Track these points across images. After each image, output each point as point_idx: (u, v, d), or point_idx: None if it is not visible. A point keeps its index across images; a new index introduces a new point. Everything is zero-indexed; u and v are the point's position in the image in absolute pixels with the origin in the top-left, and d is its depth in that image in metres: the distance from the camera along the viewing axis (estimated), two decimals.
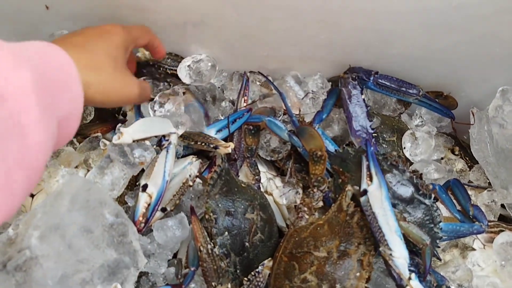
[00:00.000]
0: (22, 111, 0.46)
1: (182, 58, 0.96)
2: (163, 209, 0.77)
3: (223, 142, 0.83)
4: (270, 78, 0.97)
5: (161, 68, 0.96)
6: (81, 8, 0.85)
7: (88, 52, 0.67)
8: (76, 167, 0.83)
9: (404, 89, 0.93)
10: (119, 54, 0.72)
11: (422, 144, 0.93)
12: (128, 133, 0.74)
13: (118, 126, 0.82)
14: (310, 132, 0.85)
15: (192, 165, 0.80)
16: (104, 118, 0.95)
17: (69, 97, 0.57)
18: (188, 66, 0.92)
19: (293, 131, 0.87)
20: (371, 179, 0.75)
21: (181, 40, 0.93)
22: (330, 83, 0.99)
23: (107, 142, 0.80)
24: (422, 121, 0.99)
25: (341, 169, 0.82)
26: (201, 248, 0.72)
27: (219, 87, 0.99)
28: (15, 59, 0.47)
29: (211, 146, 0.82)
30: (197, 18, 0.86)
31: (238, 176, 0.88)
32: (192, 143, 0.83)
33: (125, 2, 0.83)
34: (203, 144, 0.82)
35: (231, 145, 0.82)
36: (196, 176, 0.80)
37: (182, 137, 0.83)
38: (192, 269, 0.72)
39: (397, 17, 0.86)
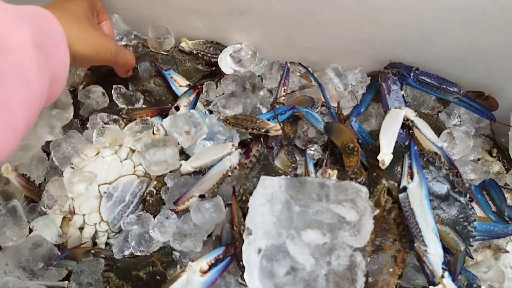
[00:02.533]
0: (25, 62, 0.51)
1: (224, 46, 0.96)
2: (201, 196, 0.78)
3: (272, 124, 0.82)
4: (310, 69, 0.95)
5: (204, 57, 0.96)
6: None
7: (70, 14, 0.73)
8: (120, 145, 0.83)
9: (444, 86, 0.90)
10: (90, 15, 0.79)
11: (459, 144, 0.90)
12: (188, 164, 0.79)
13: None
14: (337, 128, 0.84)
15: (231, 156, 0.79)
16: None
17: (57, 57, 0.61)
18: (230, 55, 0.91)
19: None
20: (411, 177, 0.73)
21: (226, 28, 0.92)
22: (369, 77, 0.97)
23: (161, 129, 0.82)
24: (460, 121, 0.96)
25: (376, 163, 0.80)
26: (235, 228, 0.72)
27: (258, 76, 0.98)
28: (16, 17, 0.52)
29: (262, 130, 0.81)
30: (243, 7, 0.86)
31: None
32: (243, 130, 0.83)
33: None
34: (253, 129, 0.82)
35: (279, 126, 0.82)
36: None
37: (231, 124, 0.83)
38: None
39: (440, 15, 0.84)
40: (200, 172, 0.81)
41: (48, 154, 0.84)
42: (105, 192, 0.80)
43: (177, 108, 0.87)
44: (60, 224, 0.78)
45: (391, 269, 0.71)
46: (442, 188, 0.78)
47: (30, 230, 0.77)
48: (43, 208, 0.76)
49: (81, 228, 0.81)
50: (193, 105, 0.88)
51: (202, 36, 0.95)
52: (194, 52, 0.96)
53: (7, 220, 0.73)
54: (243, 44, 0.93)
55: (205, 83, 0.93)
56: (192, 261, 0.69)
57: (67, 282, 0.77)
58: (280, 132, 0.81)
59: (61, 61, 0.62)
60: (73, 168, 0.80)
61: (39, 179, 0.83)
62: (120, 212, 0.81)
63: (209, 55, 0.95)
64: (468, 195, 0.79)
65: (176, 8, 0.87)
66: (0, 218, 0.72)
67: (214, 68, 0.97)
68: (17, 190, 0.78)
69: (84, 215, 0.80)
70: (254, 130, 0.82)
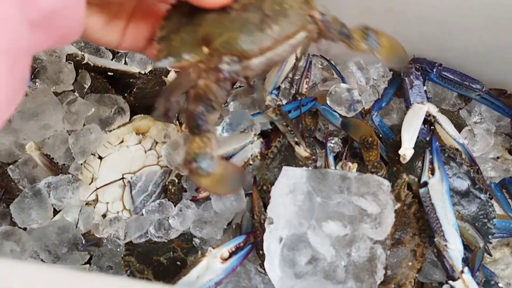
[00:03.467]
0: None
1: None
2: None
3: (305, 146, 0.80)
4: (332, 62, 0.94)
5: None
6: None
7: None
8: (144, 134, 0.83)
9: (467, 83, 0.89)
10: None
11: (480, 141, 0.88)
12: None
13: None
14: (354, 123, 0.83)
15: (253, 144, 0.79)
16: None
17: None
18: None
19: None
20: (433, 173, 0.73)
21: None
22: (391, 72, 0.95)
23: None
24: (481, 119, 0.94)
25: (396, 158, 0.79)
26: (255, 217, 0.72)
27: None
28: None
29: (295, 140, 0.79)
30: None
31: None
32: (283, 124, 0.81)
33: None
34: (290, 132, 0.80)
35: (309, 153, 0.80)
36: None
37: (279, 114, 0.81)
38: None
39: (464, 10, 0.82)
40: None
41: None
42: (128, 182, 0.80)
43: None
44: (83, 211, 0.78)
45: (410, 263, 0.71)
46: (463, 184, 0.77)
47: (55, 212, 0.78)
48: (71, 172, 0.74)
49: (104, 216, 0.81)
50: None
51: None
52: None
53: (33, 202, 0.73)
54: None
55: None
56: (213, 248, 0.70)
57: (88, 265, 0.78)
58: (307, 155, 0.79)
59: None
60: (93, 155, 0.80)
61: (61, 160, 0.83)
62: (143, 202, 0.81)
63: None
64: (488, 192, 0.78)
65: None
66: (26, 201, 0.72)
67: None
68: (42, 173, 0.79)
69: (107, 203, 0.80)
70: (289, 133, 0.80)
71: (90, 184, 0.79)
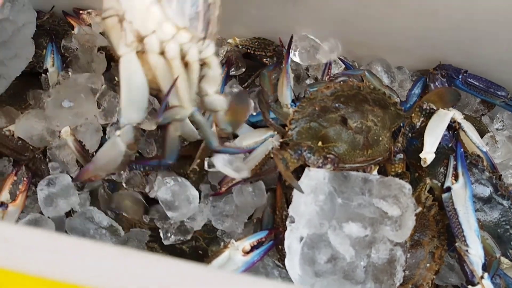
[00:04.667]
0: None
1: (271, 41, 0.93)
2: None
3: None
4: (352, 63, 0.93)
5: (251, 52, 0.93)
6: None
7: None
8: None
9: (492, 90, 0.87)
10: None
11: (501, 148, 0.86)
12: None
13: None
14: None
15: (274, 138, 0.78)
16: None
17: None
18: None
19: None
20: (456, 178, 0.72)
21: (277, 17, 0.89)
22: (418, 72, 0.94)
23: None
24: (503, 126, 0.92)
25: (418, 164, 0.78)
26: (277, 213, 0.72)
27: (304, 67, 0.95)
28: None
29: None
30: None
31: None
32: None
33: None
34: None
35: None
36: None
37: None
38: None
39: (493, 16, 0.80)
40: None
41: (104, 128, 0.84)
42: None
43: None
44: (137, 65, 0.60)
45: (428, 265, 0.70)
46: (485, 190, 0.75)
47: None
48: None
49: (162, 53, 0.61)
50: (224, 82, 0.87)
51: (252, 24, 0.93)
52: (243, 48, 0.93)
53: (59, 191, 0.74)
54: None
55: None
56: (235, 240, 0.69)
57: None
58: None
59: None
60: None
61: (92, 148, 0.83)
62: (193, 8, 0.59)
63: (256, 50, 0.93)
64: (510, 199, 0.76)
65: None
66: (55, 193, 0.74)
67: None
68: (72, 161, 0.79)
69: (154, 32, 0.59)
70: None
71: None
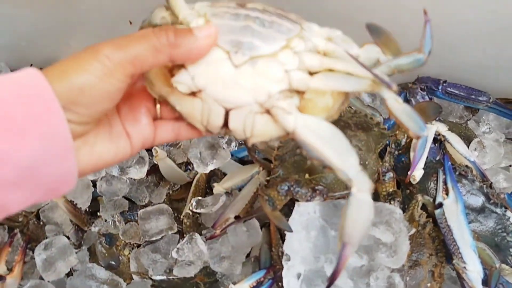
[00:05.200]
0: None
1: None
2: (236, 217, 0.77)
3: None
4: None
5: None
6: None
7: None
8: None
9: (473, 96, 0.87)
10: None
11: (490, 152, 0.86)
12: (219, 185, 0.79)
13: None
14: None
15: (260, 174, 0.79)
16: None
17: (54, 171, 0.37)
18: None
19: None
20: (447, 193, 0.71)
21: None
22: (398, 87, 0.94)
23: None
24: (489, 128, 0.91)
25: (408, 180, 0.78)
26: (273, 250, 0.71)
27: None
28: None
29: None
30: None
31: None
32: None
33: None
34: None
35: None
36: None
37: None
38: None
39: (466, 27, 0.81)
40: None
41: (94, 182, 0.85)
42: None
43: None
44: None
45: (429, 284, 0.69)
46: (477, 200, 0.75)
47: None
48: None
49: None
50: None
51: None
52: None
53: (57, 254, 0.74)
54: None
55: None
56: (234, 282, 0.69)
57: None
58: None
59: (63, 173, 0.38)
60: None
61: (84, 205, 0.84)
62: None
63: None
64: (503, 206, 0.76)
65: None
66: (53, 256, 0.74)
67: None
68: (66, 221, 0.80)
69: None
70: None
71: None
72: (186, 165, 0.86)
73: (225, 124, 0.43)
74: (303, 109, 0.44)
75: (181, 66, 0.42)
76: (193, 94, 0.43)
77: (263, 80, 0.42)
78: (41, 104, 0.35)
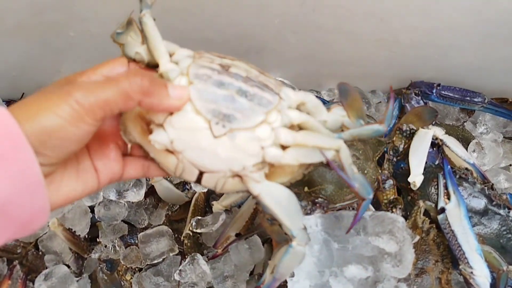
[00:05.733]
0: None
1: None
2: (237, 234, 0.76)
3: None
4: (323, 96, 0.93)
5: None
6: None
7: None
8: None
9: (468, 98, 0.87)
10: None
11: (489, 153, 0.86)
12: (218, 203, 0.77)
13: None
14: None
15: None
16: None
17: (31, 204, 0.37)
18: None
19: None
20: (448, 198, 0.71)
21: None
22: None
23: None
24: (486, 128, 0.91)
25: (409, 186, 0.77)
26: None
27: None
28: None
29: None
30: (259, 45, 0.84)
31: None
32: None
33: (189, 35, 0.82)
34: None
35: None
36: None
37: None
38: None
39: (456, 31, 0.81)
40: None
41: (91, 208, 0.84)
42: None
43: None
44: None
45: None
46: (480, 203, 0.74)
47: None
48: None
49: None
50: None
51: None
52: None
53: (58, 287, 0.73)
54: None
55: None
56: None
57: None
58: None
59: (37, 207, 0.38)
60: None
61: (83, 232, 0.83)
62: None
63: None
64: (506, 207, 0.75)
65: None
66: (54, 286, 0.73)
67: None
68: (65, 249, 0.78)
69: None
70: None
71: None
72: (184, 185, 0.85)
73: (198, 180, 0.46)
74: (271, 174, 0.48)
75: (160, 125, 0.44)
76: (169, 151, 0.45)
77: (240, 154, 0.44)
78: (9, 143, 0.35)
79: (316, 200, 0.71)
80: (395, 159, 0.79)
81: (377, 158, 0.77)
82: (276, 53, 0.86)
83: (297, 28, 0.79)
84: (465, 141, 0.88)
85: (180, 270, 0.75)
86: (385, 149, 0.79)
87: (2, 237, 0.36)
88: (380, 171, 0.76)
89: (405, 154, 0.78)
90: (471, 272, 0.65)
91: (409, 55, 0.85)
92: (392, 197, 0.76)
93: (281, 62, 0.88)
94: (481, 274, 0.64)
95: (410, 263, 0.64)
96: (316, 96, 0.90)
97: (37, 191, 0.37)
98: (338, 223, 0.67)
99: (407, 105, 0.85)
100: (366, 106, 0.90)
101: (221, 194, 0.83)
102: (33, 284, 0.76)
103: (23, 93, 0.95)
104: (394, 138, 0.79)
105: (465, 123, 0.93)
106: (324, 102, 0.91)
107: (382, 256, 0.64)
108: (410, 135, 0.79)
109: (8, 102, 0.94)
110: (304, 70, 0.91)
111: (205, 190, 0.82)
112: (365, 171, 0.73)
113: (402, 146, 0.79)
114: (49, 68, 0.90)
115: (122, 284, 0.82)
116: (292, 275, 0.64)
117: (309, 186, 0.72)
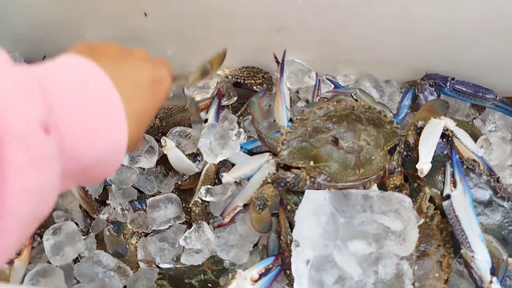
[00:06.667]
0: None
1: (259, 69, 0.95)
2: (245, 205, 0.77)
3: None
4: (339, 81, 0.95)
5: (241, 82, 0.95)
6: (174, 14, 0.86)
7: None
8: None
9: (480, 94, 0.88)
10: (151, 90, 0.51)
11: (496, 150, 0.87)
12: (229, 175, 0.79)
13: None
14: None
15: (269, 163, 0.79)
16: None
17: (109, 138, 0.41)
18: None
19: None
20: (455, 185, 0.72)
21: (263, 46, 0.91)
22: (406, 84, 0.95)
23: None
24: (495, 127, 0.93)
25: (416, 174, 0.79)
26: (282, 238, 0.72)
27: (294, 91, 0.97)
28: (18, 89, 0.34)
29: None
30: (281, 24, 0.85)
31: None
32: None
33: (214, 7, 0.83)
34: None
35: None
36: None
37: None
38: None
39: (473, 24, 0.82)
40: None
41: None
42: None
43: (206, 121, 0.87)
44: None
45: (437, 274, 0.70)
46: (485, 194, 0.76)
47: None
48: None
49: None
50: (217, 113, 0.88)
51: (239, 54, 0.95)
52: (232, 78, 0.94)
53: (65, 239, 0.75)
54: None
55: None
56: (243, 269, 0.69)
57: None
58: None
59: (115, 141, 0.42)
60: None
61: (96, 193, 0.85)
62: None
63: (246, 79, 0.94)
64: (510, 200, 0.76)
65: (215, 28, 0.87)
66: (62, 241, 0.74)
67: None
68: (76, 207, 0.80)
69: None
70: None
71: None
72: (195, 156, 0.87)
73: None
74: None
75: None
76: None
77: None
78: (110, 114, 0.41)
79: (317, 180, 0.72)
80: (405, 153, 0.80)
81: (388, 147, 0.78)
82: (297, 34, 0.87)
83: (320, 10, 0.80)
84: (473, 137, 0.88)
85: (185, 236, 0.76)
86: (399, 141, 0.80)
87: (69, 186, 0.44)
88: (389, 160, 0.78)
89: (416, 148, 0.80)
90: (472, 256, 0.66)
91: (426, 46, 0.87)
92: (398, 183, 0.78)
93: (300, 44, 0.89)
94: (482, 259, 0.65)
95: (414, 242, 0.65)
96: (331, 81, 0.92)
97: (119, 154, 0.43)
98: (346, 200, 0.69)
99: (420, 95, 0.86)
100: (379, 95, 0.92)
101: (232, 166, 0.85)
102: (41, 238, 0.78)
103: (44, 56, 0.97)
104: (409, 133, 0.80)
105: (474, 120, 0.94)
106: (338, 86, 0.92)
107: (386, 234, 0.66)
108: None
109: (29, 63, 0.96)
110: (322, 54, 0.92)
111: (216, 162, 0.83)
112: (373, 157, 0.74)
113: (413, 141, 0.80)
114: (73, 32, 0.91)
115: (128, 247, 0.83)
116: (297, 245, 0.66)
117: (315, 161, 0.73)
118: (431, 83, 0.87)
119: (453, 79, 0.88)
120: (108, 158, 0.42)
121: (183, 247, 0.78)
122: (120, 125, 0.42)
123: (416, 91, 0.88)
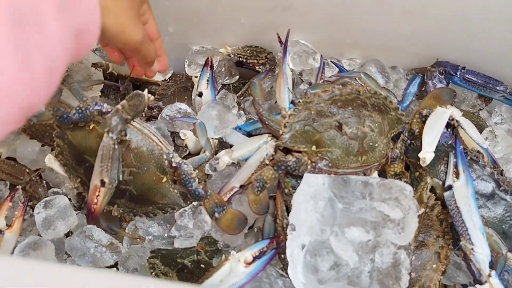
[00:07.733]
0: (41, 2, 0.44)
1: (263, 49, 0.93)
2: (242, 186, 0.75)
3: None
4: (343, 65, 0.92)
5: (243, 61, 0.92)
6: None
7: None
8: None
9: (490, 85, 0.86)
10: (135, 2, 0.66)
11: (501, 142, 0.85)
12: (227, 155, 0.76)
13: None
14: None
15: (267, 145, 0.77)
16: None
17: (85, 8, 0.51)
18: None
19: None
20: (457, 176, 0.71)
21: (268, 24, 0.88)
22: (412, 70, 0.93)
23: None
24: (502, 119, 0.91)
25: (418, 162, 0.77)
26: (278, 221, 0.71)
27: (298, 73, 0.94)
28: None
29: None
30: (287, 2, 0.82)
31: None
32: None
33: None
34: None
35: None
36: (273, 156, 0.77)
37: None
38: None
39: (485, 13, 0.80)
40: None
41: None
42: None
43: (201, 94, 0.85)
44: None
45: (434, 265, 0.69)
46: (487, 186, 0.74)
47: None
48: None
49: None
50: (213, 84, 0.85)
51: (243, 33, 0.92)
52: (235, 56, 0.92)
53: (57, 213, 0.74)
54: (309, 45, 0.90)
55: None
56: (237, 251, 0.68)
57: (115, 269, 0.77)
58: None
59: (90, 13, 0.53)
60: None
61: None
62: None
63: (249, 58, 0.91)
64: None
65: (220, 4, 0.84)
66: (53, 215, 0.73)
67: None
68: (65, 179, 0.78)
69: None
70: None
71: None
72: None
73: None
74: None
75: None
76: None
77: None
78: None
79: (318, 165, 0.70)
80: (409, 141, 0.78)
81: (392, 135, 0.76)
82: (303, 13, 0.84)
83: None
84: (478, 128, 0.87)
85: (181, 212, 0.75)
86: (403, 128, 0.78)
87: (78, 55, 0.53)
88: (392, 148, 0.76)
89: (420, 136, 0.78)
90: (472, 249, 0.64)
91: (436, 32, 0.84)
92: (398, 171, 0.76)
93: (306, 24, 0.87)
94: (482, 252, 0.64)
95: (413, 231, 0.64)
96: (336, 64, 0.90)
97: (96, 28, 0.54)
98: (345, 186, 0.67)
99: (429, 82, 0.84)
100: (385, 81, 0.89)
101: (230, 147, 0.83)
102: (33, 211, 0.76)
103: None
104: (413, 121, 0.78)
105: (480, 111, 0.92)
106: (343, 70, 0.90)
107: (385, 223, 0.64)
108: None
109: None
110: (328, 36, 0.89)
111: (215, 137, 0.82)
112: (376, 145, 0.73)
113: (417, 130, 0.78)
114: None
115: (122, 225, 0.82)
116: (293, 229, 0.64)
117: (317, 146, 0.71)
118: (441, 70, 0.84)
119: (464, 68, 0.86)
120: (89, 24, 0.52)
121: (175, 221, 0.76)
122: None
123: (425, 77, 0.86)
